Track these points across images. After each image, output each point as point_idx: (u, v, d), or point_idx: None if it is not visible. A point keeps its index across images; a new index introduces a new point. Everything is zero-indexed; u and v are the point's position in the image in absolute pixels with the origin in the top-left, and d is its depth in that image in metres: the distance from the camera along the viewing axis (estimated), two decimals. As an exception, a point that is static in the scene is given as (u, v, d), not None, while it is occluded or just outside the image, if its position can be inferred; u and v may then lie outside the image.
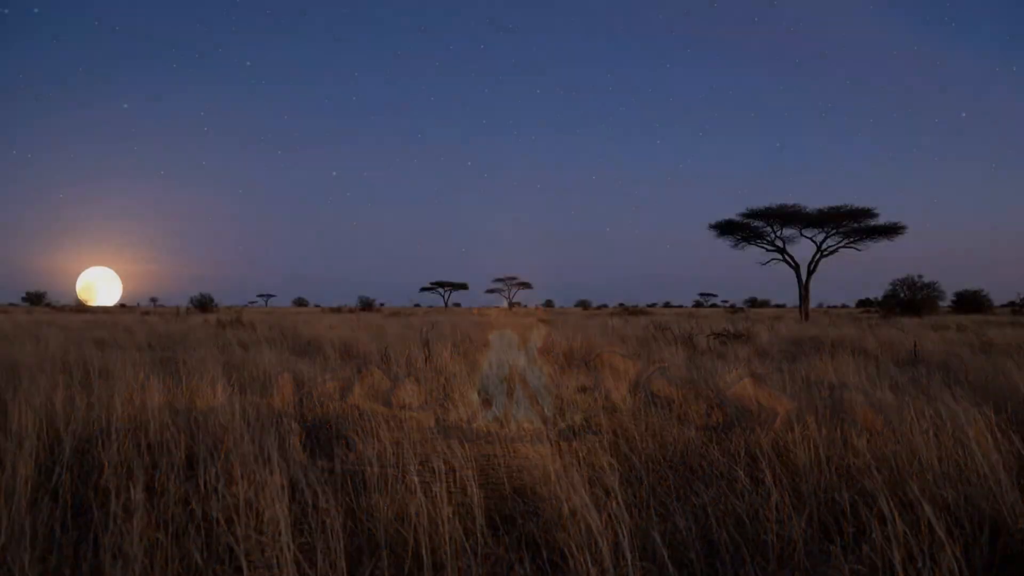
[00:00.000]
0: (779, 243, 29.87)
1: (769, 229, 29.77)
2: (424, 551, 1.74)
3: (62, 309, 40.73)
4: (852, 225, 28.19)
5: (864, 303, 56.67)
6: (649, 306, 74.22)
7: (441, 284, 69.95)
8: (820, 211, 28.02)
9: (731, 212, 31.19)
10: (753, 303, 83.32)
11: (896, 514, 1.78)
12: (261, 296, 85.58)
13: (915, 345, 7.88)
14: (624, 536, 1.71)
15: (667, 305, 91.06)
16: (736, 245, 31.19)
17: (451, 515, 1.87)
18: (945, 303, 33.53)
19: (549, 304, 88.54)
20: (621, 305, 62.97)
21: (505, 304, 70.45)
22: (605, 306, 79.73)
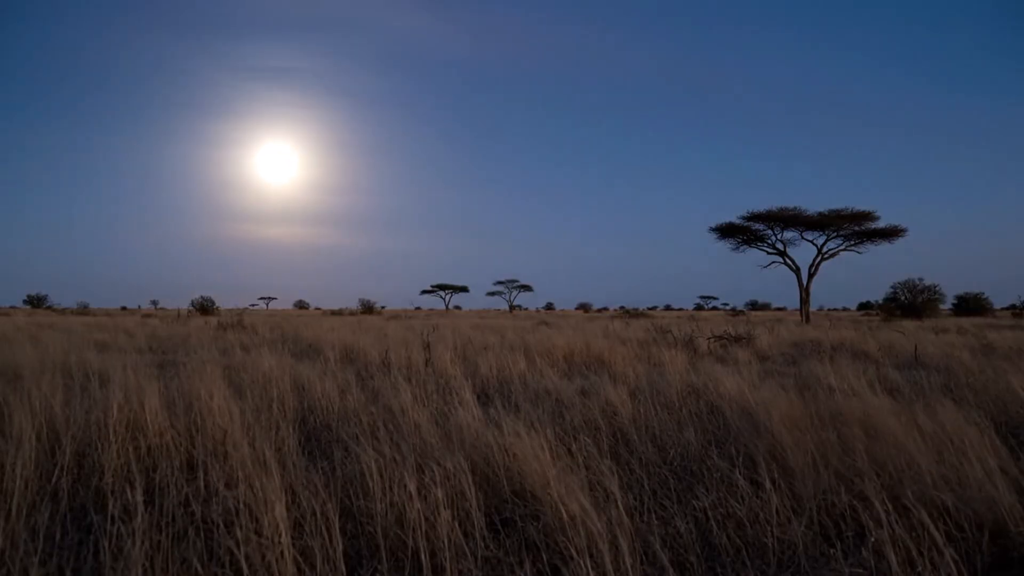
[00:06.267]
0: (780, 246, 29.87)
1: (770, 232, 29.76)
2: (424, 554, 1.74)
3: (63, 312, 40.75)
4: (853, 228, 28.18)
5: (865, 306, 56.67)
6: (650, 309, 74.15)
7: (442, 287, 69.94)
8: (821, 214, 28.01)
9: (732, 215, 31.19)
10: (754, 306, 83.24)
11: (895, 518, 1.79)
12: (262, 299, 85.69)
13: (915, 348, 7.87)
14: (624, 539, 1.71)
15: (668, 308, 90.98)
16: (737, 248, 31.18)
17: (450, 518, 1.87)
18: (946, 306, 33.48)
19: (550, 307, 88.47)
20: (622, 308, 62.95)
21: (506, 307, 70.38)
22: (606, 309, 79.69)
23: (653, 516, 2.14)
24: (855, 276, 54.20)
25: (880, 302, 34.27)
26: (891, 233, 28.21)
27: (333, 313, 43.61)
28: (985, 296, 35.30)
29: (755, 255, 32.17)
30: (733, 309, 72.67)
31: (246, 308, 59.12)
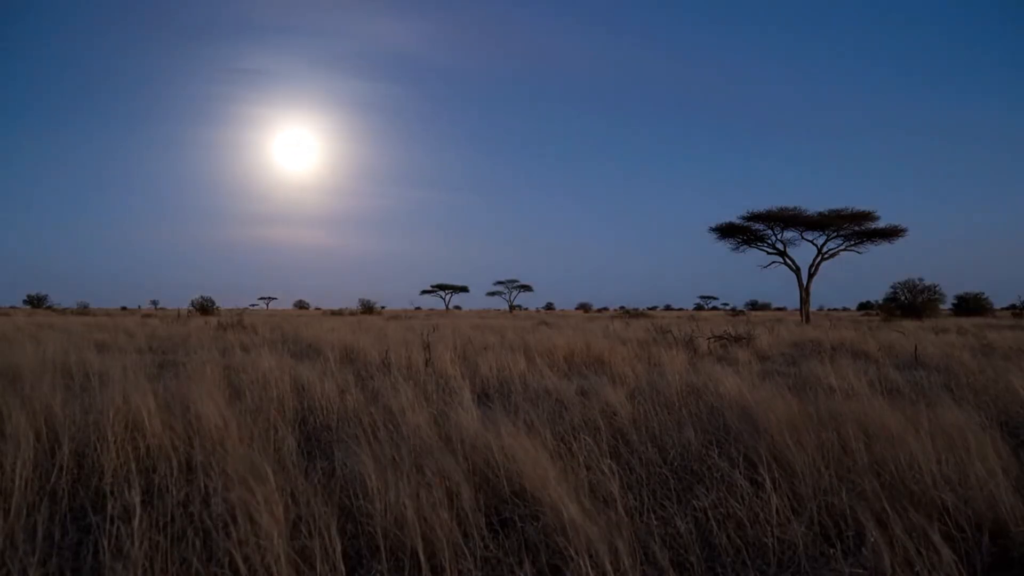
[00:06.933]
0: (780, 246, 29.86)
1: (770, 232, 29.75)
2: (423, 554, 1.74)
3: (63, 312, 40.76)
4: (853, 228, 28.17)
5: (865, 306, 56.68)
6: (650, 309, 74.16)
7: (442, 287, 69.92)
8: (821, 214, 28.00)
9: (732, 215, 31.24)
10: (754, 306, 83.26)
11: (895, 518, 1.78)
12: (262, 299, 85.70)
13: (915, 348, 7.87)
14: (624, 539, 1.70)
15: (668, 308, 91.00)
16: (737, 248, 31.17)
17: (450, 518, 1.86)
18: (946, 306, 33.48)
19: (550, 307, 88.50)
20: (622, 308, 62.98)
21: (506, 307, 70.38)
22: (606, 309, 79.71)
23: (653, 516, 2.14)
24: (855, 276, 54.17)
25: (880, 302, 34.28)
26: (891, 233, 28.21)
27: (333, 313, 43.61)
28: (985, 296, 35.32)
29: (755, 255, 32.20)
30: (733, 309, 72.66)
31: (246, 308, 59.10)
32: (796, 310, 31.32)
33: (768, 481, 2.14)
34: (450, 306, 70.82)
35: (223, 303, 44.22)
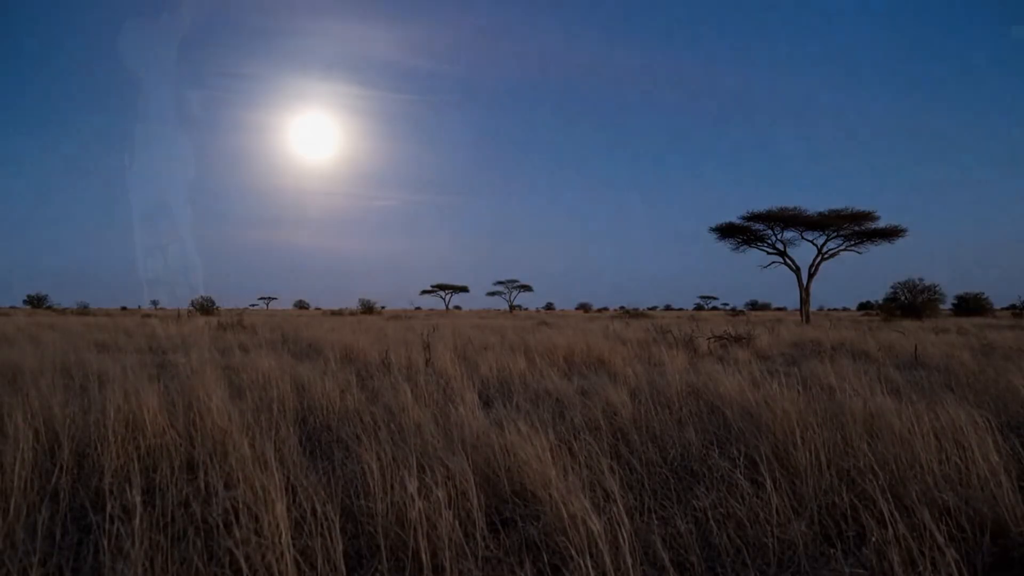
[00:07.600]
0: (780, 246, 29.85)
1: (770, 232, 29.74)
2: (424, 554, 1.74)
3: (63, 312, 40.76)
4: (853, 228, 28.17)
5: (865, 306, 56.69)
6: (650, 309, 74.16)
7: (442, 287, 69.92)
8: (821, 214, 28.00)
9: (733, 215, 31.27)
10: (754, 306, 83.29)
11: (896, 517, 1.78)
12: (262, 299, 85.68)
13: (916, 348, 7.87)
14: (624, 539, 1.70)
15: (668, 308, 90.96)
16: (737, 248, 31.15)
17: (451, 518, 1.86)
18: (946, 306, 33.49)
19: (550, 307, 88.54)
20: (622, 308, 63.04)
21: (506, 307, 70.38)
22: (606, 309, 79.77)
23: (653, 516, 2.14)
24: (855, 276, 54.09)
25: (880, 302, 34.29)
26: (891, 233, 28.20)
27: (333, 313, 43.61)
28: (985, 296, 35.33)
29: (755, 255, 32.18)
30: (733, 309, 72.67)
31: (246, 308, 59.07)
32: (796, 310, 31.39)
33: (769, 481, 2.14)
34: (450, 306, 70.82)
35: (223, 303, 44.17)
